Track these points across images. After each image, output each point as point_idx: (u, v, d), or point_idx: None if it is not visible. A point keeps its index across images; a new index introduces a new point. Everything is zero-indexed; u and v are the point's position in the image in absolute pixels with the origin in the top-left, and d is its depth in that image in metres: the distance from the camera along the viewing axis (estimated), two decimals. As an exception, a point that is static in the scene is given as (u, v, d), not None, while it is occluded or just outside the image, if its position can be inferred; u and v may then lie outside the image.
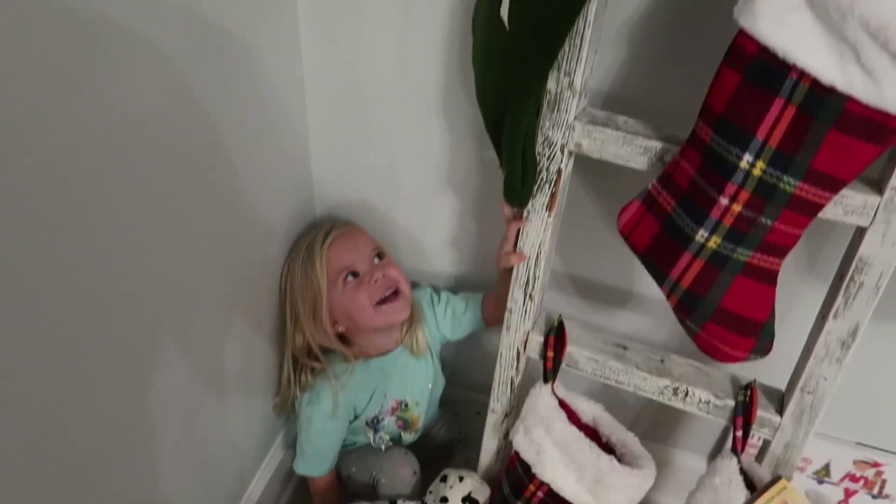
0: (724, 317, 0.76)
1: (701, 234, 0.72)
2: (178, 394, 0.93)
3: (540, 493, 0.99)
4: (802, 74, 0.62)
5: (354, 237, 1.14)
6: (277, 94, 1.01)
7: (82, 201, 0.68)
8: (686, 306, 0.78)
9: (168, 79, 0.76)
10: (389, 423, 1.24)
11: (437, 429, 1.36)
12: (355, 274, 1.12)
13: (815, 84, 0.61)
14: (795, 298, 1.02)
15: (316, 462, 1.20)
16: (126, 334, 0.79)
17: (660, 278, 0.80)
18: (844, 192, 0.69)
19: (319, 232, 1.13)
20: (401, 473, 1.20)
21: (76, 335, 0.71)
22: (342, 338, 1.18)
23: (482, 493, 1.07)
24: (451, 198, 1.14)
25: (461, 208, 1.15)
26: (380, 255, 1.14)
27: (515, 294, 0.95)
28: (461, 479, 1.07)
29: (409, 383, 1.24)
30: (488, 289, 1.18)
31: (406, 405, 1.25)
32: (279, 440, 1.31)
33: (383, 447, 1.24)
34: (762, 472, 0.88)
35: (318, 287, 1.10)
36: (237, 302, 1.04)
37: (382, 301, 1.11)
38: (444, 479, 1.08)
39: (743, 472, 0.88)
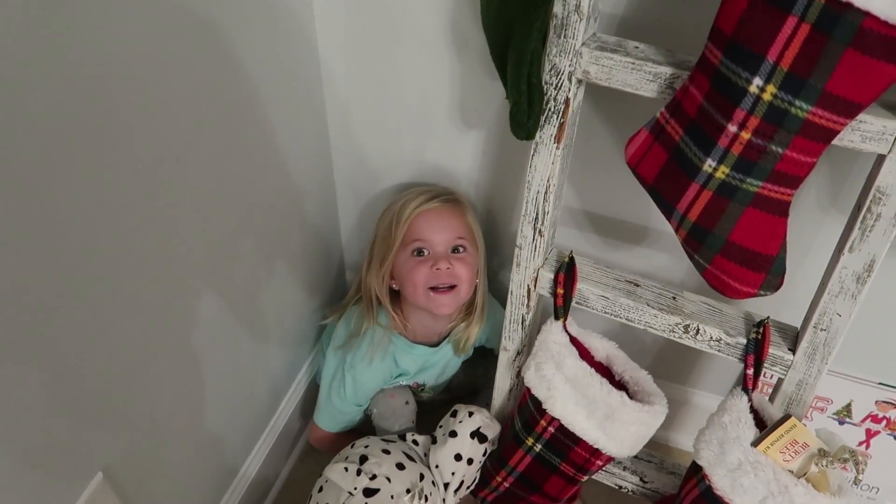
0: (733, 251, 0.73)
1: (708, 164, 0.69)
2: (219, 324, 0.98)
3: (551, 429, 0.99)
4: (818, -11, 0.58)
5: (447, 218, 1.12)
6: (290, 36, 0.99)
7: (131, 152, 0.71)
8: (694, 240, 0.75)
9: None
10: None
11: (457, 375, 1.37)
12: (425, 251, 1.12)
13: (832, 0, 0.57)
14: (818, 231, 0.98)
15: (334, 417, 1.23)
16: (173, 281, 0.84)
17: (668, 211, 0.77)
18: (861, 116, 0.66)
19: (426, 193, 1.13)
20: (391, 404, 1.22)
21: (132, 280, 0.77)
22: (394, 298, 1.19)
23: (491, 429, 1.07)
24: (467, 131, 1.12)
25: (483, 143, 1.13)
26: (462, 248, 1.13)
27: (525, 230, 0.93)
28: (471, 414, 1.07)
29: (437, 376, 1.28)
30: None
31: (423, 388, 1.29)
32: (307, 363, 1.34)
33: None
34: (773, 411, 0.86)
35: (392, 241, 1.12)
36: (274, 251, 1.10)
37: (435, 288, 1.11)
38: (453, 413, 1.09)
39: (753, 410, 0.86)
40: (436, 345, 1.24)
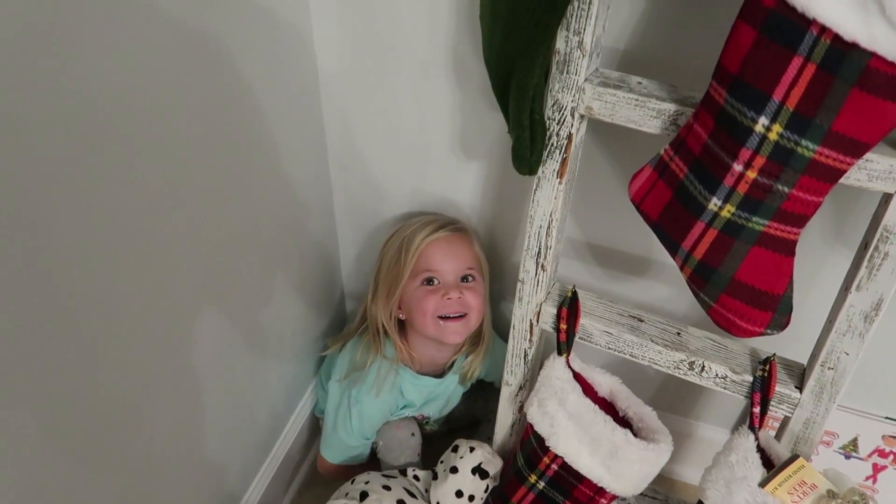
0: (739, 289, 0.72)
1: (714, 203, 0.69)
2: (219, 351, 0.98)
3: (554, 466, 0.98)
4: (823, 29, 0.57)
5: (456, 248, 1.12)
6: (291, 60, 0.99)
7: (129, 161, 0.71)
8: (699, 278, 0.74)
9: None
10: None
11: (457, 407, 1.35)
12: (435, 281, 1.11)
13: (837, 40, 0.57)
14: (822, 267, 0.97)
15: (340, 450, 1.21)
16: (172, 296, 0.84)
17: (672, 249, 0.76)
18: (868, 156, 0.65)
19: (433, 223, 1.12)
20: (398, 436, 1.20)
21: (129, 291, 0.76)
22: (401, 329, 1.19)
23: (493, 464, 1.06)
24: (468, 161, 1.11)
25: (485, 173, 1.12)
26: (471, 277, 1.13)
27: (527, 264, 0.92)
28: (472, 449, 1.05)
29: (441, 408, 1.27)
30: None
31: (429, 422, 1.28)
32: (309, 391, 1.34)
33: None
34: (780, 450, 0.85)
35: (400, 271, 1.11)
36: (275, 277, 1.10)
37: (445, 317, 1.10)
38: (455, 448, 1.07)
39: (760, 449, 0.85)
40: (440, 375, 1.23)
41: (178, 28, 0.74)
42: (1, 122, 0.55)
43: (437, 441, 1.31)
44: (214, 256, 0.91)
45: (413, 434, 1.21)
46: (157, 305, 0.81)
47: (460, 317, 1.11)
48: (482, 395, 1.37)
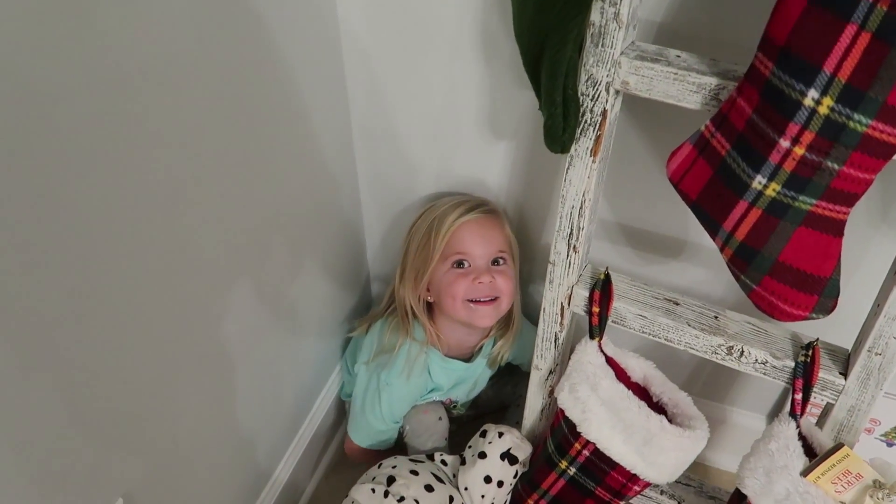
0: (784, 272, 0.69)
1: (758, 181, 0.65)
2: (248, 329, 0.96)
3: (586, 452, 0.96)
4: (880, -6, 0.54)
5: (488, 229, 1.09)
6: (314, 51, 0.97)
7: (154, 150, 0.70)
8: (741, 260, 0.71)
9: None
10: None
11: (485, 391, 1.34)
12: (466, 263, 1.08)
13: (895, 6, 0.53)
14: (867, 248, 0.93)
15: (369, 434, 1.20)
16: (202, 275, 0.83)
17: (713, 229, 0.73)
18: (925, 131, 0.61)
19: (463, 204, 1.10)
20: (425, 420, 1.18)
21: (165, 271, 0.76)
22: (429, 312, 1.17)
23: (522, 450, 1.04)
24: (497, 140, 1.08)
25: (514, 152, 1.09)
26: (502, 260, 1.10)
27: (559, 246, 0.90)
28: (500, 434, 1.03)
29: (469, 392, 1.25)
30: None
31: (456, 406, 1.26)
32: (337, 369, 1.33)
33: None
34: (823, 438, 0.82)
35: (430, 254, 1.09)
36: (308, 247, 1.09)
37: (475, 300, 1.08)
38: (483, 433, 1.05)
39: (802, 437, 0.82)
40: (469, 359, 1.21)
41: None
42: (31, 92, 0.55)
43: (464, 425, 1.30)
44: (243, 236, 0.90)
45: (440, 418, 1.20)
46: (186, 284, 0.80)
47: (491, 300, 1.08)
48: (510, 380, 1.35)
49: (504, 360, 1.22)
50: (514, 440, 1.04)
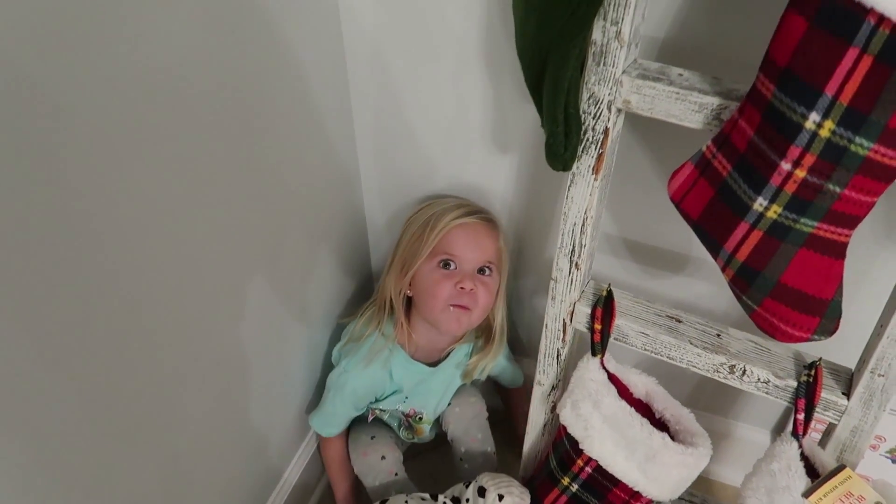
0: (785, 293, 0.68)
1: (759, 203, 0.65)
2: (261, 329, 0.98)
3: (588, 469, 0.95)
4: (882, 19, 0.53)
5: (482, 237, 1.09)
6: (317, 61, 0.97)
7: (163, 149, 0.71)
8: (743, 281, 0.71)
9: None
10: (394, 415, 1.23)
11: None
12: (452, 265, 1.08)
13: (897, 30, 0.53)
14: (871, 265, 0.93)
15: (326, 420, 1.18)
16: (217, 277, 0.84)
17: (714, 249, 0.73)
18: (927, 154, 0.61)
19: (464, 207, 1.10)
20: (368, 462, 1.20)
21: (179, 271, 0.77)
22: (408, 307, 1.16)
23: None
24: (501, 153, 1.08)
25: (518, 165, 1.09)
26: (489, 269, 1.10)
27: (560, 263, 0.89)
28: (501, 497, 1.00)
29: (435, 402, 1.23)
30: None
31: (420, 418, 1.23)
32: None
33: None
34: (826, 458, 0.81)
35: (420, 248, 1.08)
36: (318, 249, 1.11)
37: (456, 305, 1.08)
38: (481, 493, 1.01)
39: (804, 457, 0.81)
40: (434, 364, 1.20)
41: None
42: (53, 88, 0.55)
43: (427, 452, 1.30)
44: (254, 238, 0.91)
45: (383, 457, 1.19)
46: (198, 286, 0.81)
47: (465, 308, 1.08)
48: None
49: (485, 374, 1.22)
50: (514, 501, 1.00)
